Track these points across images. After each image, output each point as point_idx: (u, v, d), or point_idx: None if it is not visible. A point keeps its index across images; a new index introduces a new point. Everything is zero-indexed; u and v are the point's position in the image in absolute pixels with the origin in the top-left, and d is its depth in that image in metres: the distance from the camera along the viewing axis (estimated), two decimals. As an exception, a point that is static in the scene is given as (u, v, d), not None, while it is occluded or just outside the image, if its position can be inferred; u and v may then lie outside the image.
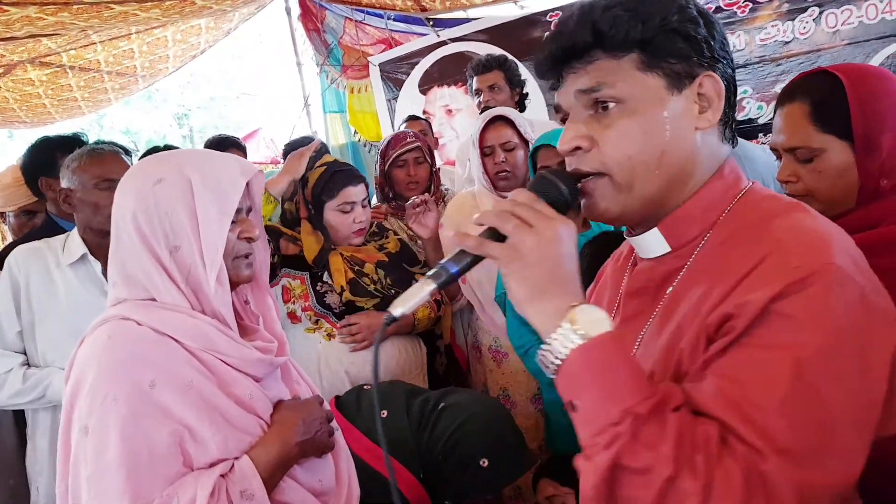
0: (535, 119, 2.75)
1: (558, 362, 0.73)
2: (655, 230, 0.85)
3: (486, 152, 2.34)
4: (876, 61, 2.88)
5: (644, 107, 0.80)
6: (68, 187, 1.85)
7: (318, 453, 1.22)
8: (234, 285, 1.19)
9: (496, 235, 0.77)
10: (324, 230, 2.09)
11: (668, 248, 0.85)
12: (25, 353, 1.87)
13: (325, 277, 2.07)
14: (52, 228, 2.18)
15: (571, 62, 0.82)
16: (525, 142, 2.35)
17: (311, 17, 4.18)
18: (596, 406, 0.70)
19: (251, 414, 1.14)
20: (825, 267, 0.69)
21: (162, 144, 2.90)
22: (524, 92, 2.99)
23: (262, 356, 1.18)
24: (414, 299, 0.76)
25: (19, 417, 2.02)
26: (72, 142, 2.38)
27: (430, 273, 0.78)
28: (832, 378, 0.67)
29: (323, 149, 2.29)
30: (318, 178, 2.09)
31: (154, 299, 1.12)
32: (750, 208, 0.82)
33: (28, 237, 2.15)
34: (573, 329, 0.72)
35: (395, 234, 2.27)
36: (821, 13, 2.98)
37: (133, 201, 1.12)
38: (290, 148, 3.26)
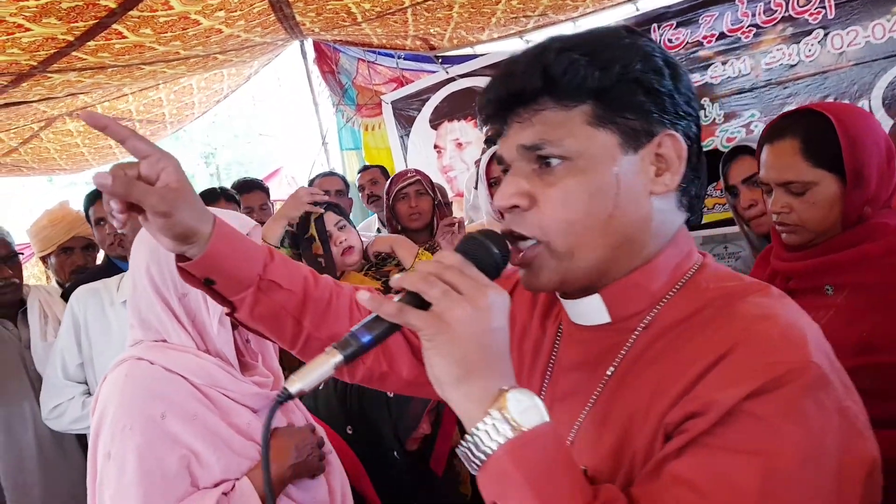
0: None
1: (483, 458, 0.62)
2: (597, 296, 0.75)
3: (493, 184, 2.39)
4: (884, 81, 2.88)
5: (593, 166, 0.70)
6: (122, 231, 2.00)
7: (310, 475, 1.35)
8: (235, 326, 1.32)
9: (419, 302, 0.65)
10: (317, 264, 2.15)
11: (607, 319, 0.76)
12: (87, 383, 2.08)
13: None
14: (110, 269, 2.40)
15: (517, 109, 0.73)
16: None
17: (325, 60, 4.32)
18: (540, 498, 0.60)
19: (250, 441, 1.27)
20: (804, 365, 0.61)
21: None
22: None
23: (258, 390, 1.32)
24: (314, 374, 0.66)
25: (83, 441, 2.23)
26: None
27: (337, 343, 0.67)
28: (804, 494, 0.58)
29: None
30: (298, 224, 2.15)
31: (165, 340, 1.27)
32: (708, 286, 0.73)
33: (89, 277, 2.34)
34: (503, 418, 0.62)
35: (398, 264, 2.31)
36: (826, 35, 3.00)
37: (146, 254, 1.28)
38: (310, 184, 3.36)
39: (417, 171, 2.73)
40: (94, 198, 2.51)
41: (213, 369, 1.25)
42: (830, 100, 3.02)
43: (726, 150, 1.93)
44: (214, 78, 4.33)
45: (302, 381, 0.66)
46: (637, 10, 3.37)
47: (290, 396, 0.66)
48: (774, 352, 0.62)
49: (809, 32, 3.06)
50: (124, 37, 2.50)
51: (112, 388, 1.22)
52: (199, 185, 4.74)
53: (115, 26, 2.34)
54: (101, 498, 1.19)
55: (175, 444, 1.18)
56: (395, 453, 1.81)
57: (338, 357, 0.66)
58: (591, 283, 0.75)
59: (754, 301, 0.68)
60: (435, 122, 4.20)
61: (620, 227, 0.72)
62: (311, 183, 3.59)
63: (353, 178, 4.74)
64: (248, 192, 3.11)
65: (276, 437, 1.32)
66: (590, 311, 0.76)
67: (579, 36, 0.73)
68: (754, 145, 1.73)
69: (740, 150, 1.89)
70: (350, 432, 1.70)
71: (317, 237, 2.17)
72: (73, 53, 2.52)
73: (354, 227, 2.29)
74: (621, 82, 0.70)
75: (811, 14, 3.02)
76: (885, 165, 1.26)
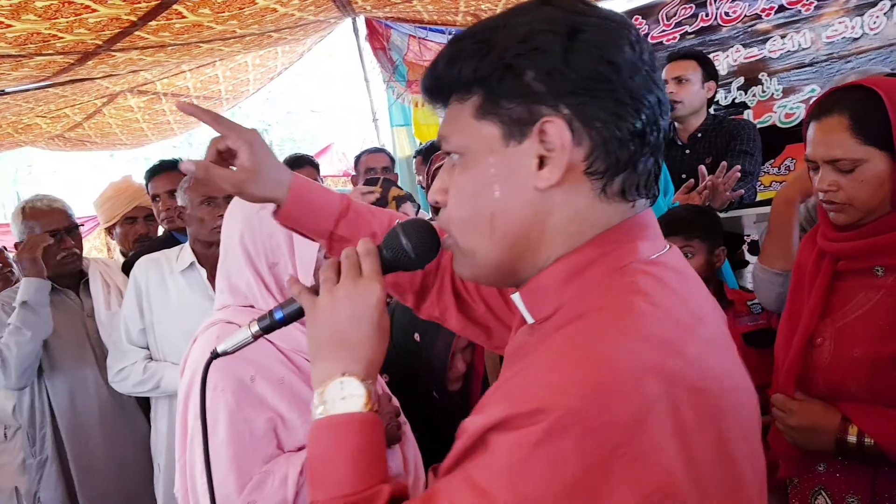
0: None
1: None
2: (517, 295, 0.72)
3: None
4: (955, 53, 2.75)
5: (476, 161, 0.68)
6: (181, 205, 2.15)
7: (387, 444, 1.42)
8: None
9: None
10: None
11: (531, 320, 0.72)
12: (148, 348, 2.21)
13: None
14: (169, 241, 2.54)
15: (439, 102, 0.72)
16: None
17: (377, 37, 4.36)
18: (312, 478, 0.71)
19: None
20: (561, 407, 0.53)
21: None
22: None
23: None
24: (235, 340, 0.82)
25: (144, 405, 2.37)
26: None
27: (259, 317, 0.82)
28: None
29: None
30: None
31: (252, 306, 1.32)
32: (607, 288, 0.64)
33: (150, 248, 2.49)
34: (321, 400, 0.71)
35: None
36: (892, 7, 2.88)
37: (241, 223, 1.33)
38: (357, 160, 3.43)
39: None
40: (152, 174, 2.65)
41: (298, 335, 1.26)
42: (896, 74, 2.91)
43: (785, 127, 1.89)
44: (269, 55, 4.43)
45: (225, 345, 0.82)
46: (693, -18, 3.29)
47: (216, 355, 0.82)
48: (539, 386, 0.56)
49: (875, 3, 2.96)
50: (184, 17, 2.59)
51: (204, 350, 1.25)
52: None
53: (175, 7, 2.43)
54: (192, 456, 1.24)
55: (263, 407, 1.22)
56: (435, 393, 1.82)
57: (255, 328, 0.81)
58: (507, 281, 0.73)
59: (614, 307, 0.61)
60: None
61: (507, 225, 0.68)
62: (357, 159, 3.64)
63: (402, 153, 4.80)
64: (299, 168, 3.20)
65: None
66: (522, 309, 0.73)
67: (492, 18, 0.68)
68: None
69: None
70: (387, 379, 1.73)
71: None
72: (136, 33, 2.62)
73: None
74: (498, 69, 0.65)
75: (877, -16, 2.91)
76: None
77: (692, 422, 0.56)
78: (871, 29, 2.97)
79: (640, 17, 3.51)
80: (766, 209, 2.43)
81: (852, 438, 1.23)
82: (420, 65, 4.43)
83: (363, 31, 4.49)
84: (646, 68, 0.66)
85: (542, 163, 0.65)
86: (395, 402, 1.47)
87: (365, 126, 4.91)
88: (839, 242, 1.33)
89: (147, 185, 2.70)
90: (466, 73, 0.66)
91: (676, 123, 2.84)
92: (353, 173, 3.71)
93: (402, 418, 1.46)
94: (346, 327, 0.72)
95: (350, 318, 0.72)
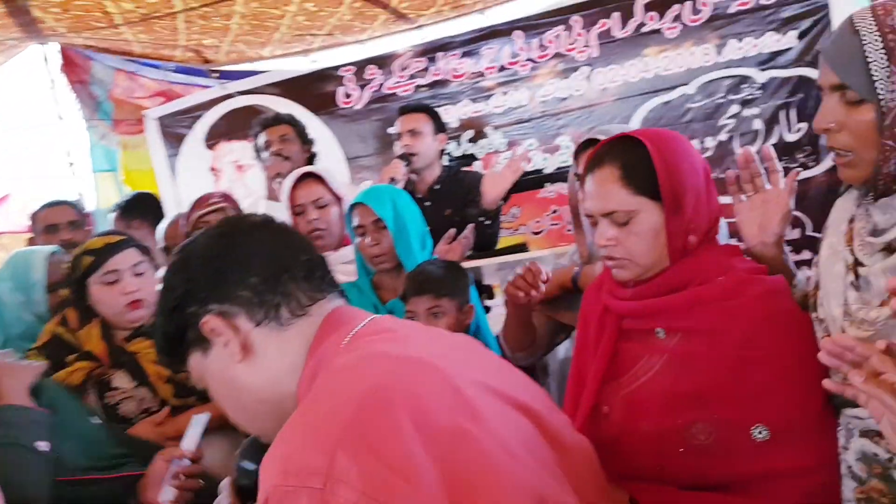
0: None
1: None
2: None
3: (297, 211, 2.23)
4: (640, 114, 3.23)
5: (208, 381, 0.96)
6: None
7: None
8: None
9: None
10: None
11: None
12: None
13: (119, 381, 1.81)
14: None
15: None
16: (338, 199, 2.28)
17: (75, 68, 3.78)
18: None
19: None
20: (277, 489, 0.71)
21: None
22: (313, 151, 2.97)
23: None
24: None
25: None
26: None
27: None
28: None
29: None
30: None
31: None
32: (329, 377, 0.85)
33: None
34: None
35: None
36: (591, 72, 3.27)
37: None
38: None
39: (224, 196, 2.47)
40: None
41: None
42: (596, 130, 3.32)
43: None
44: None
45: None
46: (423, 38, 3.44)
47: None
48: (272, 466, 0.74)
49: (577, 69, 3.34)
50: None
51: None
52: None
53: None
54: None
55: None
56: None
57: None
58: None
59: (328, 387, 0.83)
60: (211, 141, 3.93)
61: (254, 403, 0.93)
62: (34, 215, 3.04)
63: (106, 204, 4.21)
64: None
65: None
66: None
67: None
68: (601, 137, 1.69)
69: (591, 142, 1.84)
70: None
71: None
72: None
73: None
74: (162, 324, 0.97)
75: (579, 52, 3.31)
76: (703, 190, 1.29)
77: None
78: (576, 91, 3.36)
79: (375, 67, 3.56)
80: (506, 258, 2.56)
81: None
82: (130, 102, 3.97)
83: (55, 60, 3.88)
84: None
85: (226, 345, 0.91)
86: None
87: (58, 171, 4.22)
88: (622, 301, 1.32)
89: None
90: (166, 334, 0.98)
91: (413, 176, 2.89)
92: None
93: None
94: None
95: None
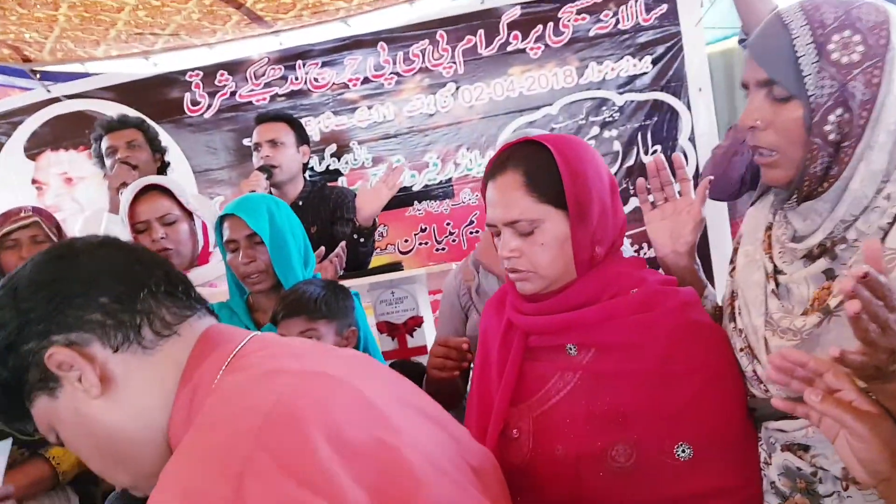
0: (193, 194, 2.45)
1: None
2: None
3: (139, 228, 1.95)
4: (506, 133, 3.23)
5: (60, 428, 0.81)
6: None
7: None
8: None
9: None
10: None
11: None
12: None
13: None
14: None
15: None
16: (189, 213, 2.01)
17: None
18: None
19: None
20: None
21: None
22: (166, 161, 2.66)
23: None
24: None
25: None
26: None
27: None
28: None
29: None
30: None
31: None
32: (220, 400, 0.75)
33: None
34: None
35: None
36: (457, 89, 3.24)
37: None
38: None
39: (37, 210, 2.12)
40: None
41: None
42: (465, 149, 3.28)
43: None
44: None
45: None
46: (280, 44, 3.23)
47: None
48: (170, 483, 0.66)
49: (444, 85, 3.30)
50: None
51: None
52: None
53: None
54: None
55: None
56: None
57: None
58: None
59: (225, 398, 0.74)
60: (33, 150, 3.48)
61: (119, 447, 0.80)
62: None
63: None
64: None
65: None
66: None
67: None
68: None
69: None
70: None
71: None
72: None
73: None
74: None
75: (445, 67, 3.28)
76: (608, 198, 1.24)
77: None
78: (443, 107, 3.30)
79: (226, 73, 3.31)
80: (379, 277, 2.42)
81: None
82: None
83: None
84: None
85: (79, 380, 0.77)
86: None
87: None
88: (527, 316, 1.24)
89: None
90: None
91: (274, 190, 2.69)
92: None
93: None
94: None
95: None
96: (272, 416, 0.66)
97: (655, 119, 3.18)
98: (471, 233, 3.30)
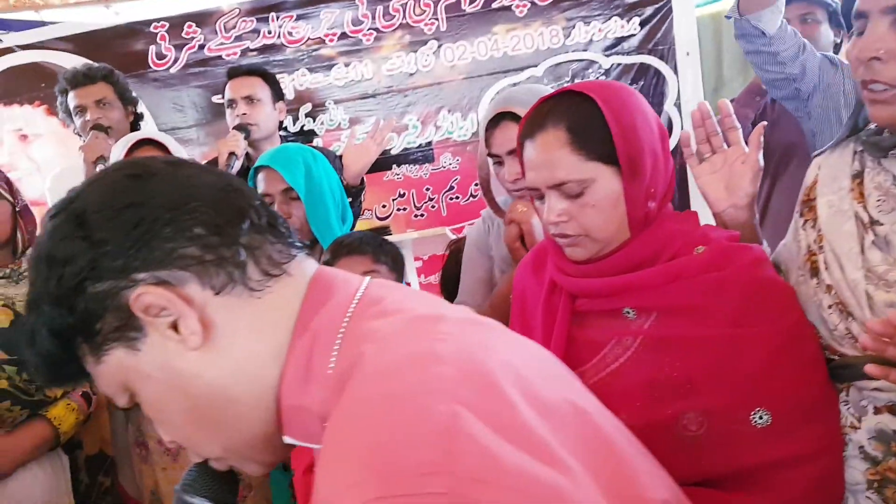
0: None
1: None
2: (288, 438, 0.70)
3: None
4: (489, 95, 3.13)
5: (141, 386, 0.67)
6: None
7: None
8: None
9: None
10: None
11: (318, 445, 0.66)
12: None
13: None
14: None
15: None
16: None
17: None
18: None
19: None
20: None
21: None
22: (138, 111, 2.51)
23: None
24: None
25: None
26: None
27: None
28: None
29: None
30: None
31: None
32: (380, 347, 0.61)
33: None
34: None
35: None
36: (439, 47, 3.14)
37: None
38: None
39: None
40: None
41: None
42: (446, 111, 3.18)
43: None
44: None
45: None
46: (253, -6, 3.07)
47: None
48: (358, 471, 0.50)
49: (425, 42, 3.19)
50: None
51: None
52: None
53: None
54: None
55: None
56: None
57: None
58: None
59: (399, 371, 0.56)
60: (-17, 105, 3.25)
61: (203, 409, 0.67)
62: None
63: None
64: None
65: None
66: (303, 444, 0.70)
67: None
68: (518, 109, 1.50)
69: (504, 116, 1.60)
70: None
71: None
72: None
73: None
74: (50, 321, 0.65)
75: (426, 24, 3.16)
76: (659, 149, 1.15)
77: None
78: (424, 66, 3.19)
79: (193, 25, 3.13)
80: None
81: None
82: None
83: None
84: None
85: (173, 327, 0.65)
86: None
87: None
88: (576, 278, 1.16)
89: None
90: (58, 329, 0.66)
91: (250, 150, 2.57)
92: None
93: None
94: None
95: None
96: (457, 365, 0.55)
97: (642, 83, 3.12)
98: (450, 199, 3.23)
